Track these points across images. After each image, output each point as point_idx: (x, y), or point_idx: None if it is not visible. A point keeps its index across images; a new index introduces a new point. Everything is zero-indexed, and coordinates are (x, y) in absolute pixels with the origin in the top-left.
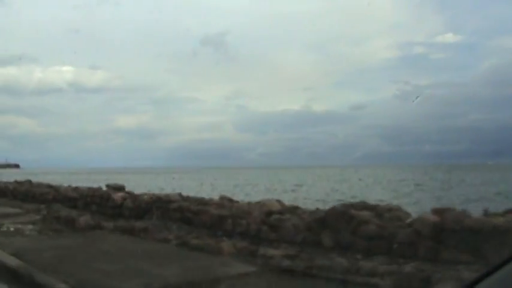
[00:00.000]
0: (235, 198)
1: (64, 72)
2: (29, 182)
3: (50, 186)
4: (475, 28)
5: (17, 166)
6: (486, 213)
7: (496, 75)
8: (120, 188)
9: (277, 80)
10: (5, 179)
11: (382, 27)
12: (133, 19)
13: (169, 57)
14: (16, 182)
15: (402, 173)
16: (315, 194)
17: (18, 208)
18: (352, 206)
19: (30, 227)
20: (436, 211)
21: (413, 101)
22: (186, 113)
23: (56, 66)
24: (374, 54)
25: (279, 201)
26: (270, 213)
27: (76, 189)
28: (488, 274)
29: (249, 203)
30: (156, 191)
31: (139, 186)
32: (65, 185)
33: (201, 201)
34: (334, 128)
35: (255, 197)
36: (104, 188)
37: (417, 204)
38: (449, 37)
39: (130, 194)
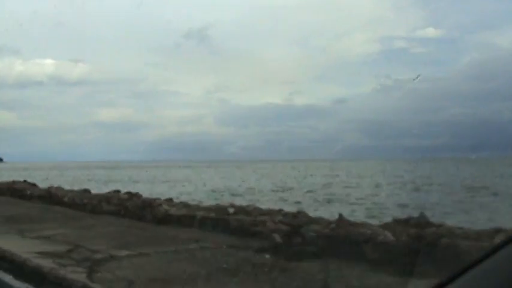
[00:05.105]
0: None
1: (45, 65)
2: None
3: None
4: (456, 23)
5: (0, 160)
6: None
7: (476, 70)
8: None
9: (259, 73)
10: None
11: (363, 21)
12: (115, 13)
13: (152, 51)
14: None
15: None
16: None
17: None
18: None
19: None
20: None
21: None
22: (168, 106)
23: (37, 59)
24: (355, 48)
25: None
26: None
27: None
28: (457, 276)
29: None
30: None
31: None
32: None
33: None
34: (316, 121)
35: None
36: None
37: None
38: (430, 31)
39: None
